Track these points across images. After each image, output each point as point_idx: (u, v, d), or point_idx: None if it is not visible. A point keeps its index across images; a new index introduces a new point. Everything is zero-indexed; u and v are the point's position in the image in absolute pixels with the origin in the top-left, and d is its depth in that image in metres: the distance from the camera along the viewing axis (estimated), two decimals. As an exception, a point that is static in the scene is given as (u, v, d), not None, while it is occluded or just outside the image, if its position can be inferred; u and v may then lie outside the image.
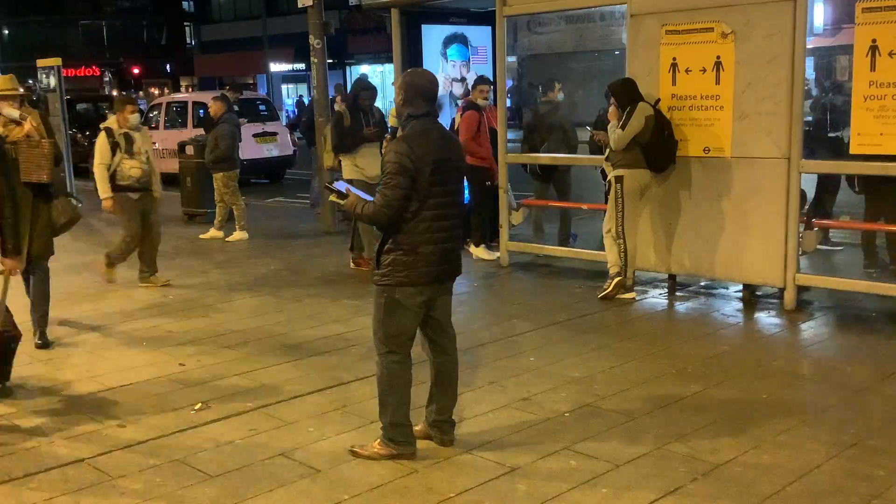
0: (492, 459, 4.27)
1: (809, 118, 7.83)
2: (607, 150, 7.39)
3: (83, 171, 18.85)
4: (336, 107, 12.83)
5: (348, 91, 9.39)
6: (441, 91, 4.34)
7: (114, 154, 7.88)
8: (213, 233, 11.05)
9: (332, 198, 4.40)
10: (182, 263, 9.21)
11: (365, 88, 8.62)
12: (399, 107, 4.18)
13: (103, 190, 7.92)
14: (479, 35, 10.62)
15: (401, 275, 4.08)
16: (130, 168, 7.89)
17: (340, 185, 4.38)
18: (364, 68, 35.73)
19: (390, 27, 9.62)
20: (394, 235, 4.07)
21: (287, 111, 36.23)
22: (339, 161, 8.67)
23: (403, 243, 4.06)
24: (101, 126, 8.14)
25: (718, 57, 6.86)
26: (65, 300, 7.46)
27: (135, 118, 8.01)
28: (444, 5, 10.23)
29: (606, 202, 7.52)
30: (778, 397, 5.03)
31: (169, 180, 13.51)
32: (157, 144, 16.75)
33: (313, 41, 11.34)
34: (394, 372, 4.23)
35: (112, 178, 7.90)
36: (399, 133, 4.27)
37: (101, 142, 7.94)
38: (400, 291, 4.11)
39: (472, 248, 9.03)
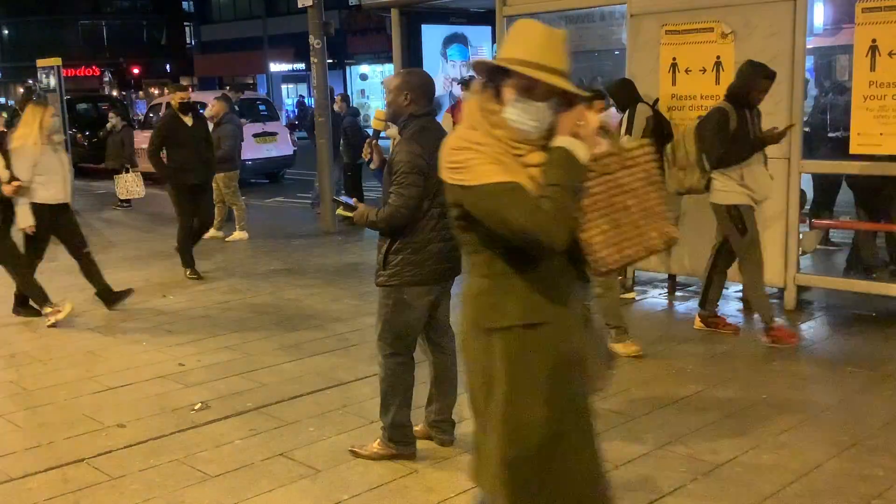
0: (492, 459, 4.27)
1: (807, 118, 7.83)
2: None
3: (83, 171, 18.94)
4: (336, 107, 12.84)
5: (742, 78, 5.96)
6: (441, 91, 4.33)
7: None
8: (212, 233, 11.04)
9: (340, 210, 4.32)
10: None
11: (767, 77, 5.88)
12: (402, 107, 4.16)
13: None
14: (479, 35, 10.63)
15: (409, 274, 4.06)
16: None
17: (349, 199, 4.34)
18: (364, 68, 35.77)
19: (390, 27, 9.63)
20: (402, 235, 4.05)
21: (287, 111, 36.22)
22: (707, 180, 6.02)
23: (412, 242, 4.04)
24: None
25: (718, 57, 6.86)
26: (64, 300, 7.45)
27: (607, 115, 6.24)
28: (444, 5, 10.24)
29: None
30: (778, 397, 5.03)
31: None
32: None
33: (313, 41, 11.35)
34: (398, 374, 4.23)
35: None
36: (389, 133, 4.21)
37: None
38: (409, 291, 4.09)
39: None
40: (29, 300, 7.31)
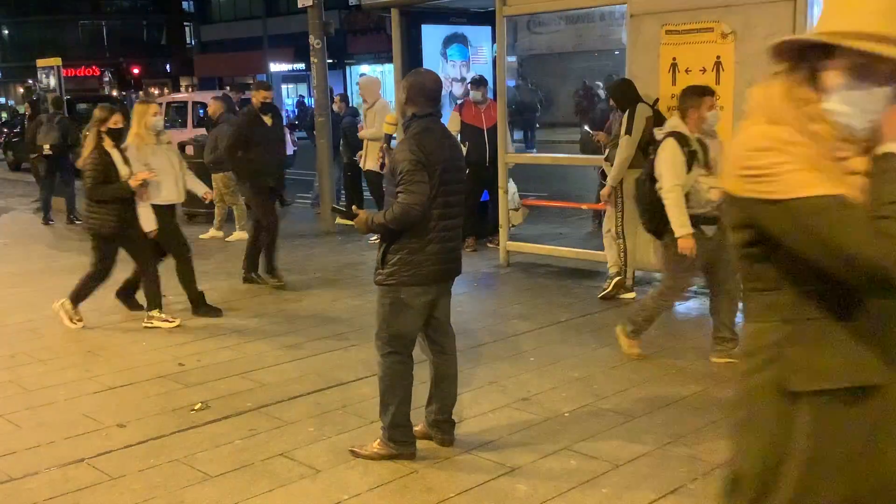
0: (492, 459, 4.27)
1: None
2: (606, 150, 7.38)
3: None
4: (335, 107, 12.84)
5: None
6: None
7: (689, 169, 5.41)
8: (212, 233, 11.06)
9: (339, 220, 4.32)
10: (182, 263, 9.20)
11: None
12: (402, 105, 4.17)
13: (682, 223, 5.34)
14: (479, 35, 10.63)
15: (407, 274, 4.06)
16: (709, 189, 5.37)
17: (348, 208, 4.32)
18: (364, 68, 35.74)
19: (390, 27, 9.63)
20: (401, 235, 4.06)
21: (287, 111, 36.20)
22: None
23: (411, 242, 4.04)
24: (666, 131, 5.56)
25: (718, 57, 6.86)
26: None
27: (714, 116, 5.56)
28: (444, 5, 10.24)
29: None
30: (778, 397, 5.02)
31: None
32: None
33: (313, 41, 11.35)
34: (396, 373, 4.23)
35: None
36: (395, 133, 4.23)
37: (674, 153, 5.38)
38: (406, 291, 4.10)
39: None
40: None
